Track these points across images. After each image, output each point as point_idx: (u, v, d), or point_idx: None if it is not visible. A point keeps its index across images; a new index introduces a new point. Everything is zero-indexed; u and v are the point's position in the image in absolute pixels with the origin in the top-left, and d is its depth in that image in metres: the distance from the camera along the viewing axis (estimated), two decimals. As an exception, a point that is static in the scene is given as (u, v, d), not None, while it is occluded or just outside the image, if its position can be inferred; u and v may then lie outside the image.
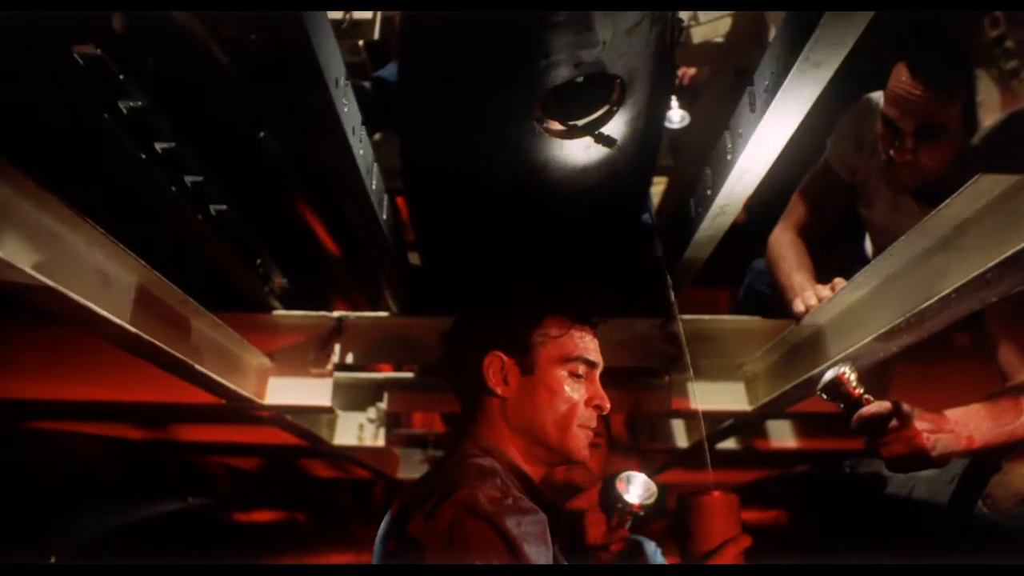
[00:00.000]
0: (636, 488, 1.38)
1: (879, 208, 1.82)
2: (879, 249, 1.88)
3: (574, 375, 1.24)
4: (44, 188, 1.10)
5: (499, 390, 1.23)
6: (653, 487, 1.39)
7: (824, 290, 1.61)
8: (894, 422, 1.19)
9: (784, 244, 1.86)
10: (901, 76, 1.46)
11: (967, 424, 1.21)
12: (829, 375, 1.24)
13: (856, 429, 1.22)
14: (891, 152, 1.53)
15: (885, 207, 1.79)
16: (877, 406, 1.20)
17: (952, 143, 1.48)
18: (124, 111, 1.26)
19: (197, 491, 2.37)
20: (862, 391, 1.22)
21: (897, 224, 1.70)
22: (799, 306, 1.65)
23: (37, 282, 1.13)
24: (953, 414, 1.22)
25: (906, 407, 1.19)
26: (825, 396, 1.25)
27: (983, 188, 1.04)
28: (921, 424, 1.18)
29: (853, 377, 1.23)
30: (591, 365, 1.26)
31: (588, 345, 1.27)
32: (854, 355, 1.40)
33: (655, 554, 1.46)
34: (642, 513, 1.37)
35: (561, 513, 1.33)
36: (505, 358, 1.24)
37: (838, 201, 1.91)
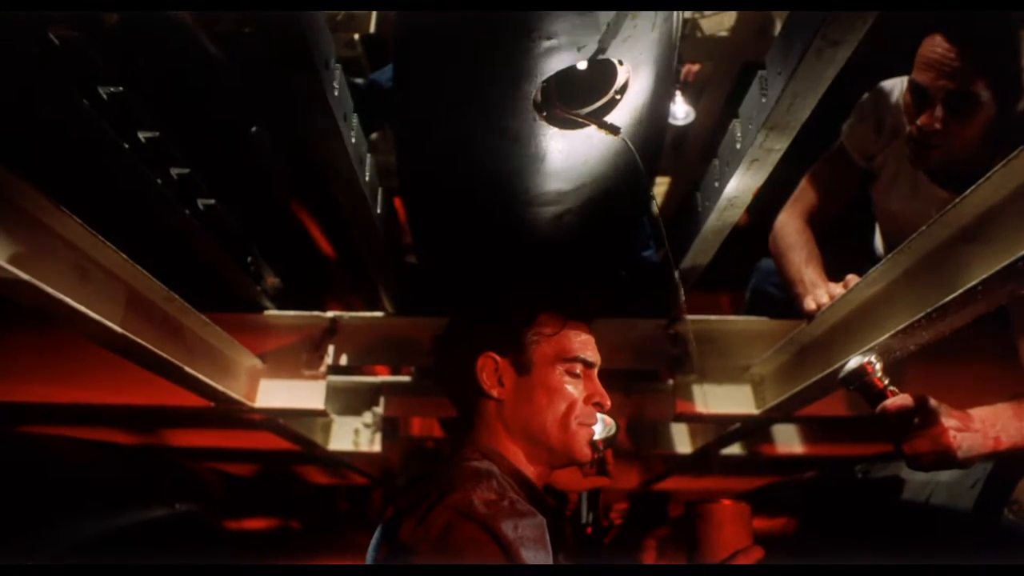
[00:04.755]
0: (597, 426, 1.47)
1: (897, 195, 1.75)
2: (892, 240, 1.83)
3: (571, 373, 1.19)
4: (19, 175, 1.05)
5: (494, 392, 1.18)
6: (610, 420, 1.46)
7: (836, 287, 1.55)
8: (919, 418, 1.13)
9: (793, 232, 1.79)
10: (934, 40, 1.42)
11: (994, 424, 1.15)
12: (853, 363, 1.18)
13: (879, 423, 1.16)
14: (919, 122, 1.47)
15: (904, 194, 1.73)
16: (902, 399, 1.14)
17: (982, 118, 1.43)
18: (104, 97, 1.20)
19: (186, 497, 2.32)
20: (887, 382, 1.17)
21: (916, 211, 1.64)
22: (810, 304, 1.59)
23: (11, 275, 1.08)
24: (979, 413, 1.16)
25: (933, 402, 1.13)
26: (848, 386, 1.20)
27: (1012, 173, 0.99)
28: (948, 421, 1.12)
29: (879, 367, 1.17)
30: (588, 364, 1.22)
31: (585, 343, 1.23)
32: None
33: None
34: (603, 447, 1.45)
35: (565, 519, 1.28)
36: (499, 359, 1.19)
37: (850, 188, 1.84)
